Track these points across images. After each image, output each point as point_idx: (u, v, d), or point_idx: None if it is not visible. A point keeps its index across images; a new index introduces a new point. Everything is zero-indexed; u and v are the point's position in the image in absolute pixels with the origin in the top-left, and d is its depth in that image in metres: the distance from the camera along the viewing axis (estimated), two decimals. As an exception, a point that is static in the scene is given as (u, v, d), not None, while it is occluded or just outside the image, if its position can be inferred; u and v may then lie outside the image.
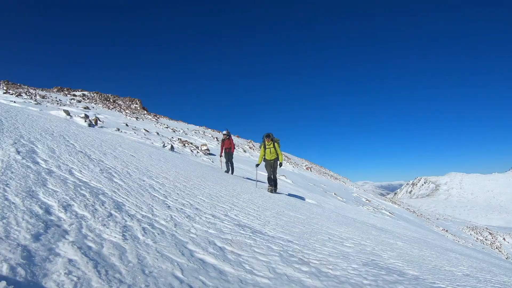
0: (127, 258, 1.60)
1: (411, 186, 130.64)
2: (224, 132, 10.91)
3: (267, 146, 8.30)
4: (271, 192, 8.01)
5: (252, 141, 32.71)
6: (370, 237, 4.61)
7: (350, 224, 5.82)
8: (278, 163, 8.23)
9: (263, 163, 8.54)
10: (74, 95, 28.82)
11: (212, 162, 12.40)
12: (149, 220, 2.35)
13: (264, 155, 8.47)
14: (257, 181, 8.81)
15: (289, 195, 8.90)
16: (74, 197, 2.27)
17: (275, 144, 8.28)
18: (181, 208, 3.06)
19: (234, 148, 10.82)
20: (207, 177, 6.63)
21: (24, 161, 2.81)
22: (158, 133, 16.98)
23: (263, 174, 11.11)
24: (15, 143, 3.43)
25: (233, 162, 10.67)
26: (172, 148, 11.73)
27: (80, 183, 2.70)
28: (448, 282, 2.67)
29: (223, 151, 10.67)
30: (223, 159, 10.71)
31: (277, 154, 8.29)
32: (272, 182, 8.30)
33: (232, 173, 10.42)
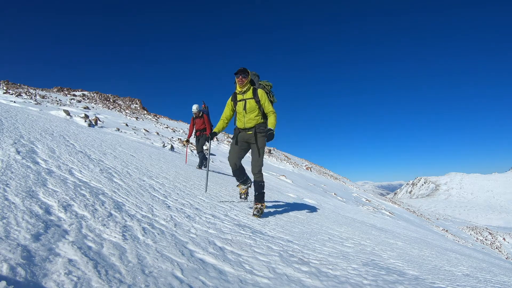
0: (127, 258, 1.60)
1: (411, 186, 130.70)
2: (195, 107, 7.08)
3: (239, 97, 3.67)
4: (245, 197, 4.34)
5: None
6: (370, 237, 4.61)
7: (350, 224, 5.81)
8: (268, 135, 3.47)
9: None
10: (74, 95, 28.83)
11: (212, 162, 12.40)
12: (149, 220, 2.35)
13: (235, 117, 3.84)
14: (207, 180, 4.58)
15: (289, 195, 8.90)
16: (74, 197, 2.27)
17: (260, 93, 3.61)
18: (181, 208, 3.07)
19: (211, 130, 7.07)
20: (207, 177, 6.62)
21: (24, 161, 2.81)
22: (158, 133, 16.98)
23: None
24: (15, 143, 3.43)
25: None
26: (172, 148, 11.73)
27: (80, 183, 2.70)
28: (448, 282, 2.67)
29: (192, 135, 7.32)
30: (200, 149, 7.24)
31: (264, 117, 3.70)
32: (243, 180, 4.12)
33: (206, 166, 6.46)
